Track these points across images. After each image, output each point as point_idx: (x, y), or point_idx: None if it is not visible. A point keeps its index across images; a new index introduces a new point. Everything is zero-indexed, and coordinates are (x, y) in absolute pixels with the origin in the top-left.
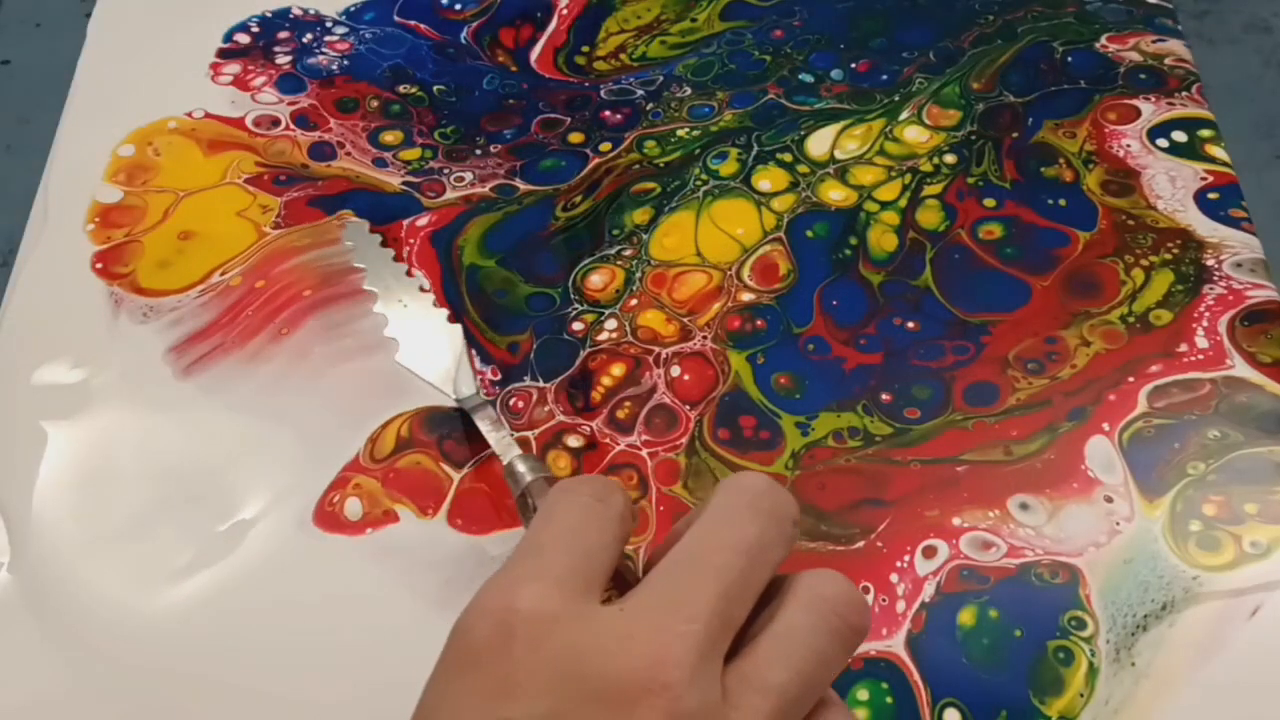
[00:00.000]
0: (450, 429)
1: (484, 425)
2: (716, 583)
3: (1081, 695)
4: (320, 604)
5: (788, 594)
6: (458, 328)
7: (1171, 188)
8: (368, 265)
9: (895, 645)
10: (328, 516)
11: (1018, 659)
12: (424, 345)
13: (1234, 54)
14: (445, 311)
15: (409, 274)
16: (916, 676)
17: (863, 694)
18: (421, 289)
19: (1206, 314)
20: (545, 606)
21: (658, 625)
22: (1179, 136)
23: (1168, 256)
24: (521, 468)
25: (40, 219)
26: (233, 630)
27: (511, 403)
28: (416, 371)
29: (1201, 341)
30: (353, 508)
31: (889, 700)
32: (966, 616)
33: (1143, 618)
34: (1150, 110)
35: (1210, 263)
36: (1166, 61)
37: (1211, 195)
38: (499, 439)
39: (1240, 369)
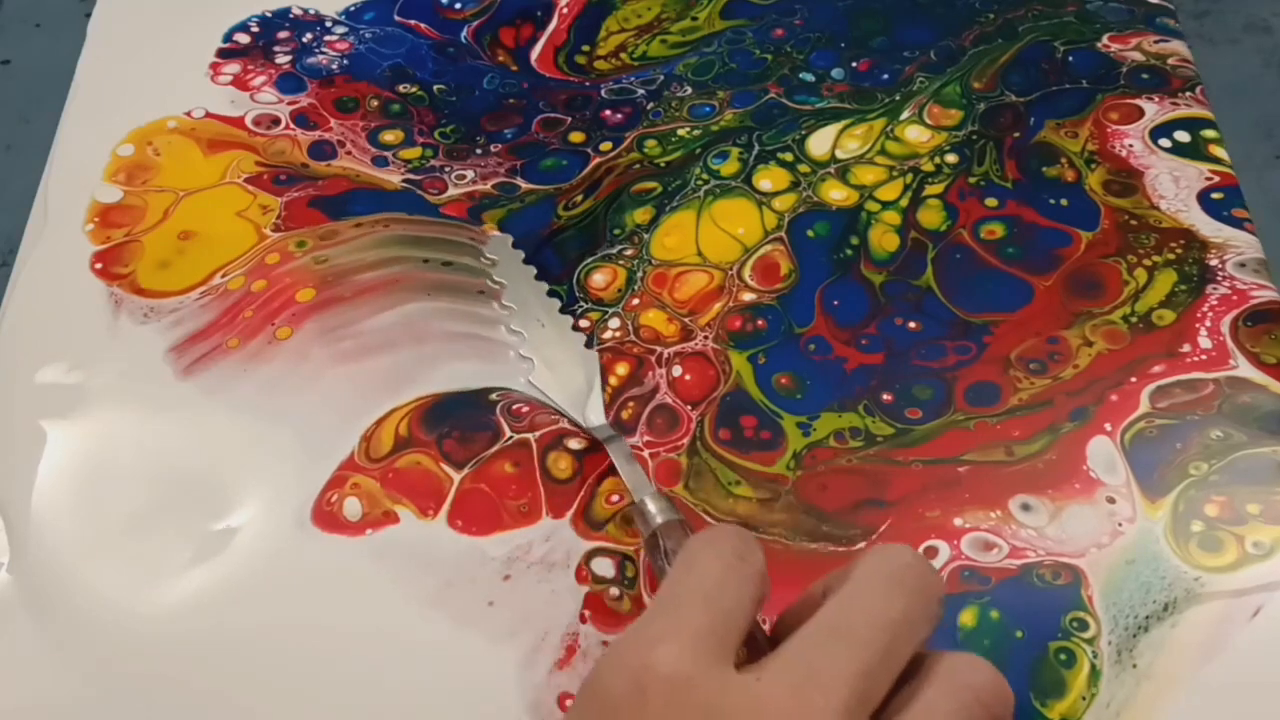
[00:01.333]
0: (450, 428)
1: (618, 459)
2: (858, 658)
3: (1084, 699)
4: (320, 604)
5: (929, 674)
6: (594, 354)
7: (1175, 188)
8: (508, 280)
9: None
10: (326, 516)
11: (1019, 660)
12: (557, 368)
13: (1234, 54)
14: (582, 336)
15: (549, 294)
16: None
17: None
18: (560, 310)
19: (1209, 314)
20: (681, 668)
21: (795, 696)
22: (1182, 137)
23: (1170, 256)
24: (653, 508)
25: (40, 219)
26: (232, 630)
27: (514, 408)
28: (547, 394)
29: (1204, 342)
30: (352, 508)
31: None
32: (967, 618)
33: (1144, 619)
34: (1154, 110)
35: (1214, 263)
36: (1170, 62)
37: (1215, 195)
38: (632, 474)
39: (1244, 369)
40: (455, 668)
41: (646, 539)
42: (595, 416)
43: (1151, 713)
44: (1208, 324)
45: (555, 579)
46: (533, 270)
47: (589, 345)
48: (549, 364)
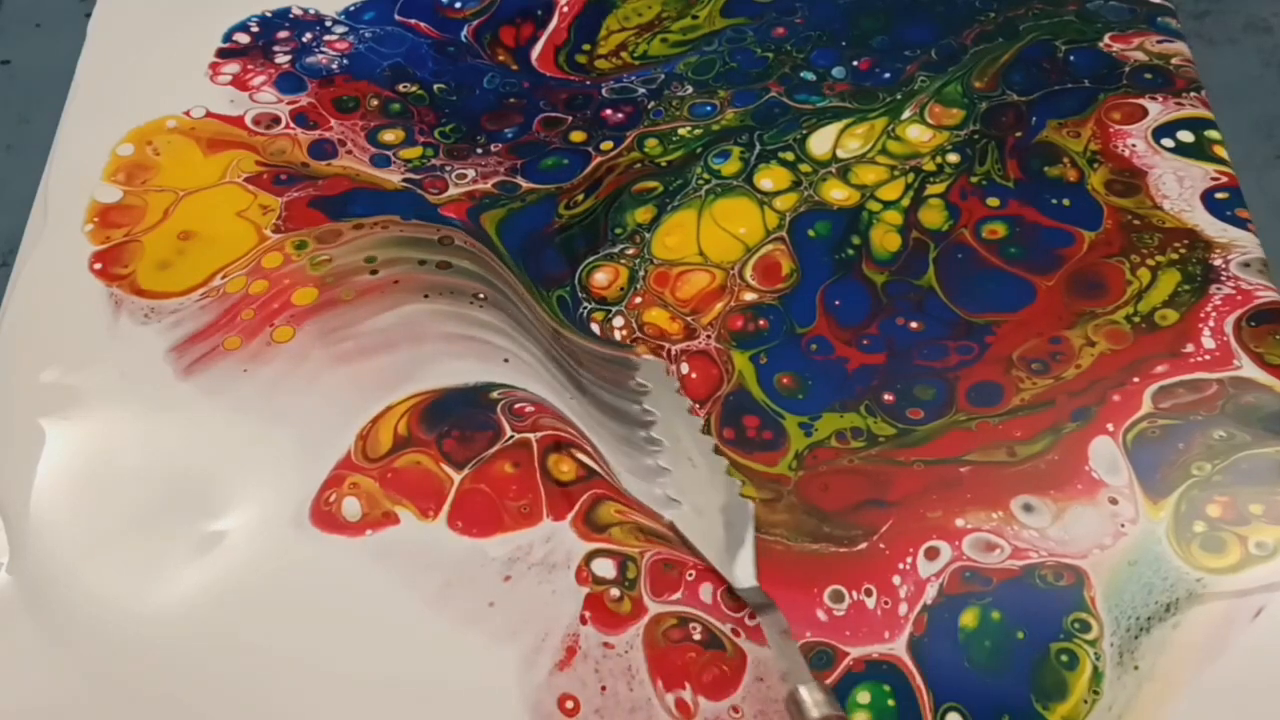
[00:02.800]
0: (450, 427)
1: (770, 634)
2: None
3: (1085, 701)
4: (320, 604)
5: None
6: (749, 505)
7: (1179, 187)
8: (660, 411)
9: (897, 648)
10: (324, 515)
11: (1020, 662)
12: (707, 515)
13: (1234, 54)
14: (738, 484)
15: (704, 430)
16: (919, 680)
17: (864, 696)
18: (717, 450)
19: (1213, 314)
20: None
21: None
22: (1186, 137)
23: (1174, 256)
24: (809, 698)
25: (40, 219)
26: (231, 630)
27: (516, 407)
28: (693, 542)
29: (1208, 342)
30: (351, 508)
31: (890, 703)
32: (969, 618)
33: (1146, 620)
34: (1158, 110)
35: (1218, 263)
36: (1174, 62)
37: (1220, 195)
38: (788, 655)
39: (1248, 369)
40: (455, 669)
41: None
42: (745, 577)
43: (1154, 715)
44: (1211, 324)
45: (556, 580)
46: (687, 403)
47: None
48: (698, 510)
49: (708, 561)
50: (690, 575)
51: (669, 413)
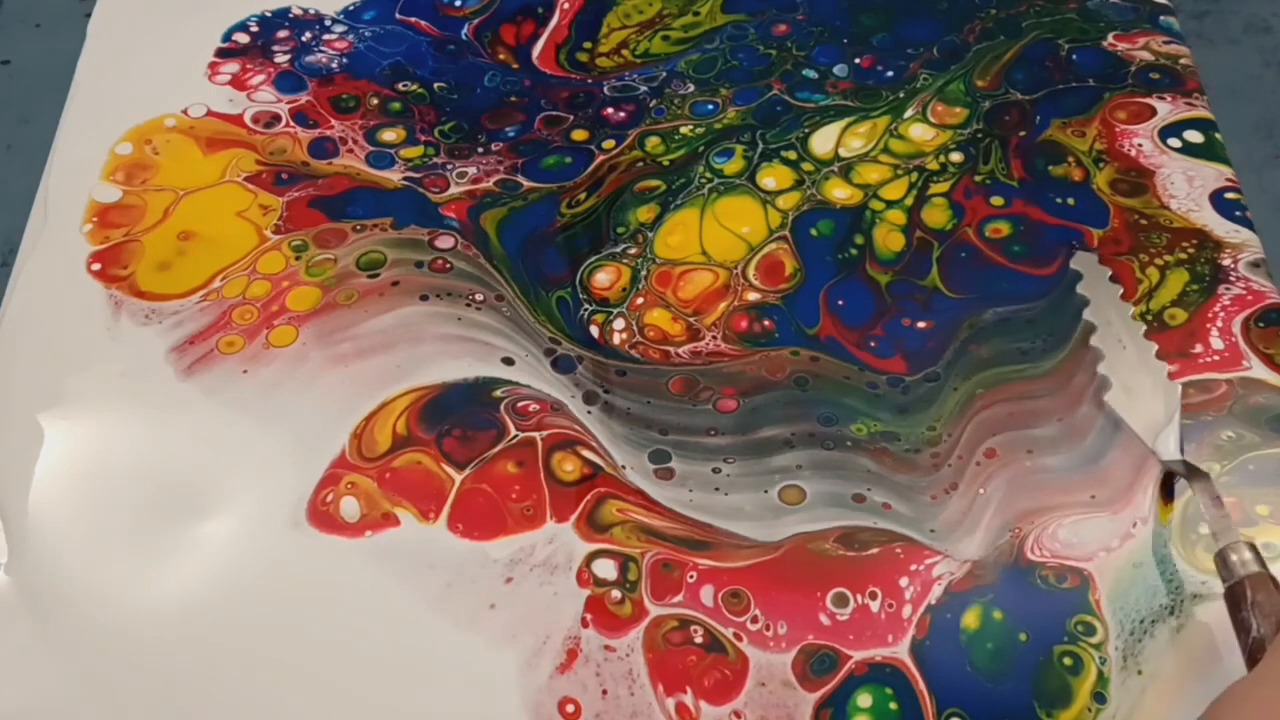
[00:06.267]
0: (450, 426)
1: (1203, 499)
2: None
3: (1089, 710)
4: (319, 604)
5: None
6: (1177, 386)
7: (1188, 187)
8: (1092, 297)
9: (900, 652)
10: (321, 515)
11: (1023, 664)
12: (1136, 394)
13: (1234, 54)
14: (1167, 366)
15: (1134, 317)
16: (922, 685)
17: (865, 699)
18: (1146, 335)
19: (1221, 314)
20: None
21: None
22: (1194, 137)
23: (1182, 256)
24: (1237, 558)
25: (40, 219)
26: (231, 629)
27: (520, 406)
28: (1123, 417)
29: (1216, 342)
30: (349, 508)
31: (893, 706)
32: (971, 619)
33: (1150, 623)
34: (1166, 109)
35: (1226, 263)
36: (1181, 62)
37: (1230, 196)
38: (1218, 518)
39: (1257, 370)
40: (456, 670)
41: (1228, 589)
42: (1169, 449)
43: (1156, 718)
44: (1219, 324)
45: (557, 581)
46: (1119, 289)
47: (1175, 377)
48: (1127, 389)
49: (1140, 438)
50: (692, 577)
51: (1101, 299)
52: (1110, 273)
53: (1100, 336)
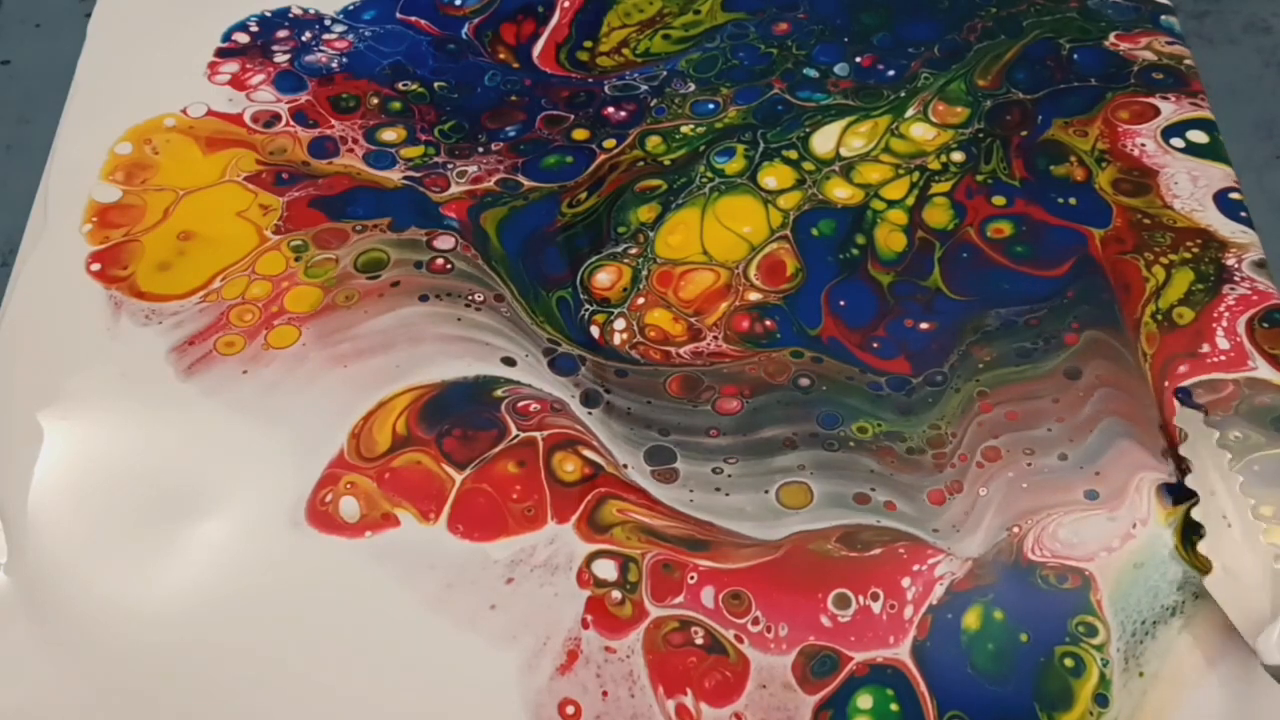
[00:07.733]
0: (451, 425)
1: None
2: None
3: (1091, 713)
4: (319, 605)
5: None
6: None
7: (1192, 187)
8: (1196, 463)
9: (901, 653)
10: (321, 515)
11: (1024, 665)
12: (1238, 578)
13: (1234, 54)
14: (1275, 549)
15: (1240, 489)
16: (923, 686)
17: (865, 701)
18: (1254, 514)
19: (1226, 314)
20: None
21: None
22: (1199, 137)
23: (1187, 255)
24: None
25: (40, 219)
26: (230, 629)
27: (521, 405)
28: (1223, 605)
29: (1222, 342)
30: (349, 508)
31: (894, 707)
32: (971, 619)
33: (1151, 625)
34: (1170, 109)
35: (1231, 262)
36: (1185, 62)
37: (1234, 196)
38: None
39: (1263, 370)
40: (456, 671)
41: None
42: (1272, 651)
43: None
44: (1224, 324)
45: (558, 582)
46: (1226, 455)
47: None
48: (1229, 572)
49: (1241, 633)
50: (692, 578)
51: (1206, 464)
52: (1218, 435)
53: (1203, 510)
